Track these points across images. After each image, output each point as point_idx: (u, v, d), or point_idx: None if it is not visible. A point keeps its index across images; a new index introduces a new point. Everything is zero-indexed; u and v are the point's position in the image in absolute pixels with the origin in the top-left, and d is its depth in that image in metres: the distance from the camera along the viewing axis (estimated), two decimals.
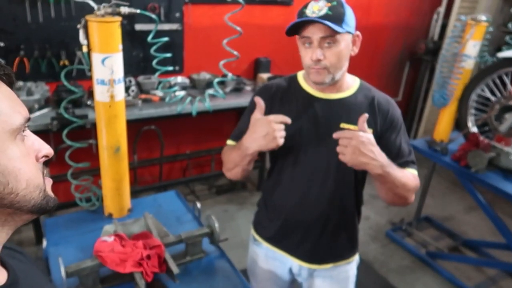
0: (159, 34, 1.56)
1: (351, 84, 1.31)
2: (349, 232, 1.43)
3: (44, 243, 1.52)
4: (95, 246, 1.33)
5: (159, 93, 2.86)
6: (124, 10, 1.43)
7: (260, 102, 1.21)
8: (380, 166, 1.12)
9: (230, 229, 3.13)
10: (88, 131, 2.31)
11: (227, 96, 2.92)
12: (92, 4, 1.44)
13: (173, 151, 3.51)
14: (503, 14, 3.74)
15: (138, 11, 1.46)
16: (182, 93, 2.80)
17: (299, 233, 1.39)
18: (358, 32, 1.21)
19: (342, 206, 1.35)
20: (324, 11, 1.11)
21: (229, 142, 1.41)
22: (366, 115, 1.14)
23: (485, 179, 2.36)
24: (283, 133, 1.16)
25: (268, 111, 1.28)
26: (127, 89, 2.70)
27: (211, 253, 1.52)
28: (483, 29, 2.44)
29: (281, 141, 1.16)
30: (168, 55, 1.67)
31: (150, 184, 3.40)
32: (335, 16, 1.11)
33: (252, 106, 1.28)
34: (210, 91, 2.29)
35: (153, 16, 1.53)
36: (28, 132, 0.58)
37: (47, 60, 2.66)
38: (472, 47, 2.47)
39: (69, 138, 1.60)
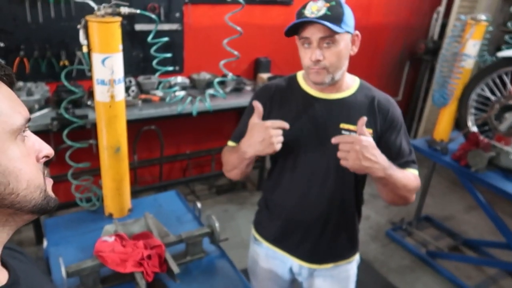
0: (159, 34, 1.56)
1: (351, 84, 1.31)
2: (349, 232, 1.43)
3: (45, 243, 1.52)
4: (96, 246, 1.34)
5: (159, 93, 2.86)
6: (124, 10, 1.43)
7: (258, 107, 1.20)
8: (382, 169, 1.12)
9: (230, 229, 3.13)
10: (88, 131, 2.31)
11: (227, 96, 2.92)
12: (92, 4, 1.44)
13: (173, 151, 3.51)
14: (503, 14, 3.74)
15: (138, 11, 1.46)
16: (182, 93, 2.80)
17: (299, 233, 1.39)
18: (357, 32, 1.21)
19: (342, 206, 1.35)
20: (322, 11, 1.11)
21: (230, 143, 1.41)
22: (364, 118, 1.14)
23: (485, 178, 2.36)
24: (280, 139, 1.16)
25: (267, 112, 1.28)
26: (127, 89, 2.71)
27: (212, 253, 1.53)
28: (483, 29, 2.44)
29: (278, 147, 1.16)
30: (168, 55, 1.67)
31: (150, 184, 3.40)
32: (334, 16, 1.11)
33: (252, 107, 1.28)
34: (210, 91, 2.29)
35: (153, 16, 1.53)
36: (28, 133, 0.58)
37: (47, 60, 2.66)
38: (472, 47, 2.47)
39: (69, 138, 1.60)
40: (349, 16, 1.15)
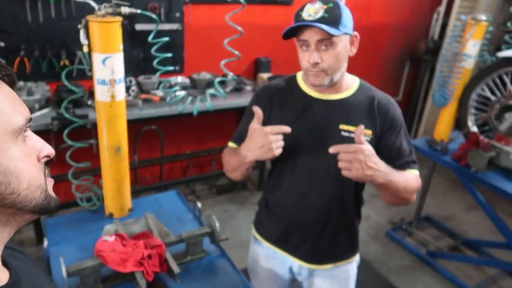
0: (159, 34, 1.56)
1: (350, 84, 1.31)
2: (349, 232, 1.43)
3: (45, 243, 1.52)
4: (96, 245, 1.34)
5: (160, 93, 2.86)
6: (125, 10, 1.44)
7: (258, 111, 1.19)
8: (383, 176, 1.12)
9: (231, 229, 3.13)
10: (88, 131, 2.31)
11: (227, 96, 2.92)
12: (93, 4, 1.44)
13: (174, 151, 3.51)
14: (503, 14, 3.74)
15: (138, 11, 1.46)
16: (182, 93, 2.81)
17: (299, 233, 1.39)
18: (356, 33, 1.21)
19: (342, 207, 1.35)
20: (320, 13, 1.10)
21: (230, 144, 1.41)
22: (362, 127, 1.12)
23: (485, 178, 2.36)
24: (280, 143, 1.16)
25: (267, 113, 1.28)
26: (127, 89, 2.71)
27: (212, 253, 1.53)
28: (483, 29, 2.44)
29: (277, 152, 1.15)
30: (169, 55, 1.67)
31: (151, 184, 3.40)
32: (332, 18, 1.11)
33: (251, 108, 1.28)
34: (211, 90, 2.29)
35: (154, 16, 1.53)
36: (29, 133, 0.58)
37: (48, 60, 2.67)
38: (472, 47, 2.47)
39: (69, 138, 1.60)
40: (347, 18, 1.15)
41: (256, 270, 1.55)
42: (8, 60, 2.53)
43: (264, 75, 3.36)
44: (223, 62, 1.70)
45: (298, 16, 1.15)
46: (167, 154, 3.42)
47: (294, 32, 1.17)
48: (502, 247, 2.90)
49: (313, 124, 1.27)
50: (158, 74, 1.69)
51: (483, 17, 2.41)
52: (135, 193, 2.37)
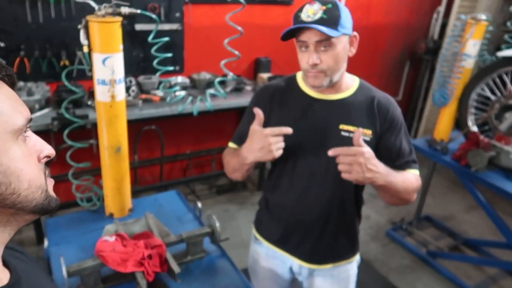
0: (159, 34, 1.56)
1: (350, 84, 1.31)
2: (349, 233, 1.43)
3: (46, 243, 1.52)
4: (97, 245, 1.34)
5: (160, 93, 2.86)
6: (125, 10, 1.44)
7: (258, 113, 1.18)
8: (383, 178, 1.13)
9: (231, 229, 3.13)
10: (88, 131, 2.31)
11: (227, 96, 2.92)
12: (93, 4, 1.44)
13: (174, 151, 3.51)
14: (503, 13, 3.74)
15: (138, 11, 1.46)
16: (182, 93, 2.81)
17: (299, 233, 1.39)
18: (355, 33, 1.20)
19: (342, 207, 1.35)
20: (318, 15, 1.10)
21: (230, 144, 1.42)
22: (360, 130, 1.13)
23: (485, 178, 2.36)
24: (281, 145, 1.15)
25: (267, 113, 1.28)
26: (127, 89, 2.71)
27: (212, 253, 1.53)
28: (483, 28, 2.44)
29: (277, 154, 1.15)
30: (169, 55, 1.67)
31: (151, 184, 3.40)
32: (330, 19, 1.10)
33: (251, 108, 1.28)
34: (211, 90, 2.29)
35: (154, 16, 1.53)
36: (29, 133, 0.58)
37: (48, 60, 2.67)
38: (472, 46, 2.47)
39: (70, 138, 1.61)
40: (346, 18, 1.14)
41: (256, 269, 1.55)
42: (8, 60, 2.53)
43: (264, 75, 3.36)
44: (223, 62, 1.70)
45: (297, 17, 1.15)
46: (167, 154, 3.42)
47: (293, 32, 1.17)
48: (502, 247, 2.90)
49: (313, 124, 1.27)
50: (158, 74, 1.69)
51: (483, 17, 2.41)
52: (135, 193, 2.37)
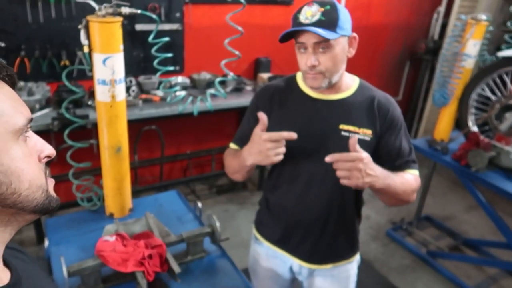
0: (159, 34, 1.56)
1: (350, 84, 1.31)
2: (349, 232, 1.43)
3: (46, 243, 1.52)
4: (97, 245, 1.34)
5: (160, 93, 2.86)
6: (125, 10, 1.44)
7: (262, 118, 1.17)
8: (381, 182, 1.13)
9: (231, 229, 3.13)
10: (89, 131, 2.32)
11: (228, 96, 2.92)
12: (93, 4, 1.45)
13: (174, 151, 3.52)
14: (503, 13, 3.74)
15: (138, 11, 1.47)
16: (183, 93, 2.81)
17: (299, 233, 1.39)
18: (354, 34, 1.20)
19: (341, 207, 1.35)
20: (317, 16, 1.10)
21: (232, 145, 1.42)
22: (356, 137, 1.12)
23: (486, 178, 2.36)
24: (280, 151, 1.13)
25: (267, 114, 1.28)
26: (128, 89, 2.71)
27: (212, 253, 1.53)
28: (483, 28, 2.44)
29: (276, 159, 1.14)
30: (169, 55, 1.68)
31: (151, 184, 3.40)
32: (328, 21, 1.10)
33: (251, 109, 1.28)
34: (211, 90, 2.30)
35: (154, 16, 1.53)
36: (30, 133, 0.58)
37: (48, 60, 2.67)
38: (472, 46, 2.47)
39: (70, 138, 1.61)
40: (344, 20, 1.14)
41: (256, 269, 1.55)
42: (9, 61, 2.53)
43: (264, 75, 3.36)
44: (223, 62, 1.70)
45: (295, 19, 1.15)
46: (167, 154, 3.42)
47: (292, 34, 1.17)
48: (502, 247, 2.90)
49: (313, 124, 1.27)
50: (158, 74, 1.69)
51: (483, 17, 2.41)
52: (135, 193, 2.38)
